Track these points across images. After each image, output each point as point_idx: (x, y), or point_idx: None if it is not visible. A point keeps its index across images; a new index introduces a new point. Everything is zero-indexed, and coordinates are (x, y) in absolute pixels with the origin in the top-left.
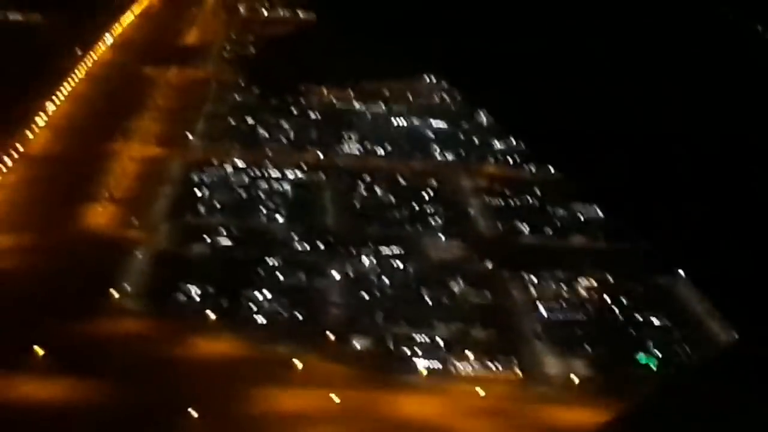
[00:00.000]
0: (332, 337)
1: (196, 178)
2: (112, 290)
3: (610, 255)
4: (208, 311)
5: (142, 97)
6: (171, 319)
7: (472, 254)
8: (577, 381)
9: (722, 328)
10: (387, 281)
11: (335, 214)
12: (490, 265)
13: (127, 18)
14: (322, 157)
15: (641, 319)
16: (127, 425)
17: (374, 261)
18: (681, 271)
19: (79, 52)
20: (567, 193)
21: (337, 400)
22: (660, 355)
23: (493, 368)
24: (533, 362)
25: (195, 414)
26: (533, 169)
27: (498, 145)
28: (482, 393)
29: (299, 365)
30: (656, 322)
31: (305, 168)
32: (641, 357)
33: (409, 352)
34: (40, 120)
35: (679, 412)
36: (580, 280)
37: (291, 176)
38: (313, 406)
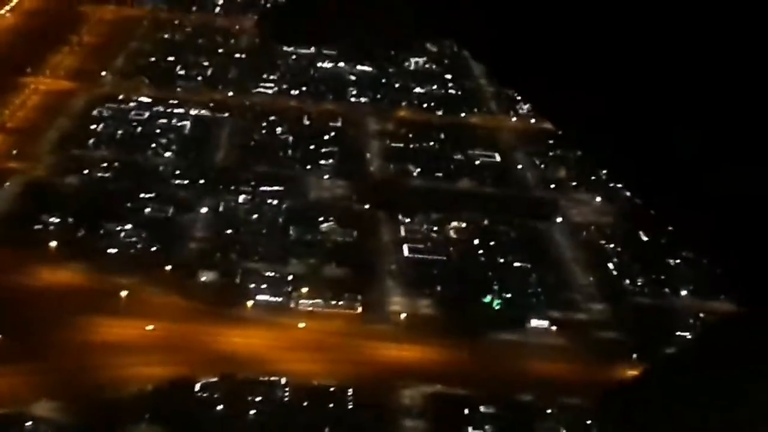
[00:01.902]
0: (178, 270)
1: (95, 113)
2: None
3: (494, 199)
4: (54, 241)
5: (67, 33)
6: (20, 247)
7: (352, 195)
8: (416, 319)
9: (584, 274)
10: (255, 218)
11: (226, 151)
12: (367, 206)
13: None
14: (231, 95)
15: (502, 261)
16: None
17: (249, 198)
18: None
19: None
20: (470, 138)
21: (155, 330)
22: (509, 296)
23: (335, 305)
24: (379, 300)
25: None
26: (441, 113)
27: (419, 89)
28: (314, 328)
29: (130, 296)
30: (517, 264)
31: (211, 106)
32: (487, 297)
33: (253, 287)
34: None
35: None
36: (453, 222)
37: (194, 113)
38: (133, 336)
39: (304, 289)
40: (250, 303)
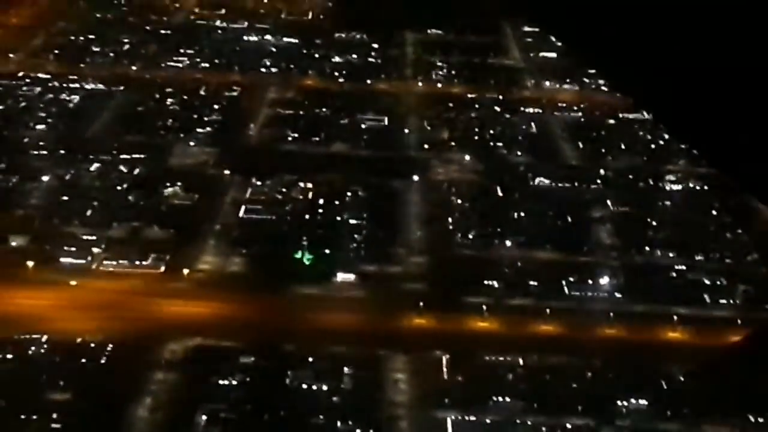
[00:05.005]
0: None
1: None
2: None
3: (360, 160)
4: None
5: None
6: None
7: (215, 160)
8: (219, 277)
9: (418, 230)
10: (98, 185)
11: (103, 123)
12: (227, 171)
13: None
14: (134, 69)
15: (338, 219)
16: None
17: (102, 166)
18: None
19: None
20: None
21: None
22: (325, 252)
23: (138, 265)
24: (188, 259)
25: None
26: (347, 81)
27: (337, 59)
28: (106, 287)
29: None
30: (352, 221)
31: (109, 80)
32: (299, 253)
33: (60, 251)
34: None
35: None
36: (304, 183)
37: (88, 87)
38: None
39: (111, 251)
40: (50, 266)
